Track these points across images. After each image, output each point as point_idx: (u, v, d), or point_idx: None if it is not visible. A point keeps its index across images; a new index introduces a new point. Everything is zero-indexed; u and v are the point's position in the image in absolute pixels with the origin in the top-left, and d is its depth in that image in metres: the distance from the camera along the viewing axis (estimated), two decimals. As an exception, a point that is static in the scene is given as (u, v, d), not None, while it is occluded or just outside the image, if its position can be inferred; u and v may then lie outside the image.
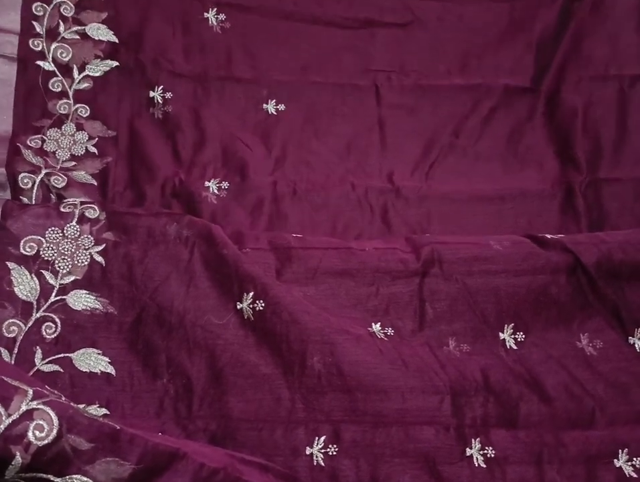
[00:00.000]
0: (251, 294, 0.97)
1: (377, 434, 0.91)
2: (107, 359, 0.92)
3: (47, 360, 0.91)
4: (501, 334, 1.04)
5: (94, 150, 1.13)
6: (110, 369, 0.92)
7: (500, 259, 1.03)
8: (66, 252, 0.96)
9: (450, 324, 1.02)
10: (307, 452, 0.88)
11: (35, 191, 1.06)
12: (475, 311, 1.04)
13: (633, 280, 1.05)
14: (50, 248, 0.96)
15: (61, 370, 0.90)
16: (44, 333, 0.92)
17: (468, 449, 0.92)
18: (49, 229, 0.97)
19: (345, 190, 1.16)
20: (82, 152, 1.12)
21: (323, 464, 0.87)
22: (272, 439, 0.88)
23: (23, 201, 1.05)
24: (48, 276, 0.95)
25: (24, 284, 0.93)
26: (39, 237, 0.96)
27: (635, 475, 0.92)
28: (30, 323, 0.92)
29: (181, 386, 0.92)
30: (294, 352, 0.94)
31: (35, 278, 0.94)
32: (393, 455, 0.90)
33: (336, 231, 1.14)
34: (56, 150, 1.11)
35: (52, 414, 0.70)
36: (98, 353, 0.92)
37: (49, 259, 0.95)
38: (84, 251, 0.97)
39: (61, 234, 0.97)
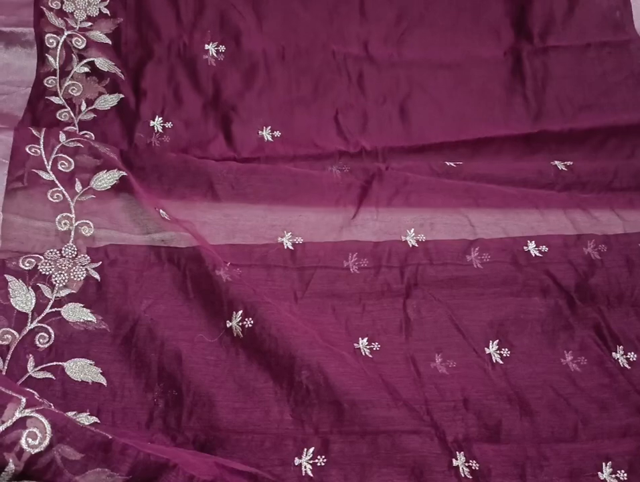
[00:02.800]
0: (240, 312, 1.00)
1: (364, 444, 0.93)
2: (99, 370, 0.94)
3: (39, 368, 0.92)
4: (486, 349, 1.07)
5: (106, 11, 1.25)
6: (102, 380, 0.94)
7: (480, 282, 1.10)
8: (63, 268, 1.00)
9: (435, 340, 1.06)
10: (296, 463, 0.89)
11: (59, 50, 1.19)
12: (459, 328, 1.07)
13: (611, 299, 1.12)
14: (48, 264, 0.99)
15: (53, 378, 0.92)
16: (37, 343, 0.94)
17: (454, 460, 0.94)
18: (49, 250, 1.01)
19: (326, 57, 1.31)
20: (96, 14, 1.24)
21: (311, 474, 0.89)
22: (261, 450, 0.90)
23: (48, 60, 1.19)
24: (44, 288, 0.97)
25: (20, 297, 0.96)
26: (38, 255, 1.00)
27: (617, 483, 0.94)
28: (24, 333, 0.94)
29: (171, 398, 0.94)
30: (283, 367, 0.97)
31: (31, 291, 0.96)
32: (380, 465, 0.91)
33: (317, 93, 1.29)
34: (74, 11, 1.23)
35: (45, 422, 0.71)
36: (91, 363, 0.94)
37: (46, 274, 0.98)
38: (81, 267, 1.01)
39: (59, 254, 1.01)
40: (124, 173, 1.08)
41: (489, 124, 1.31)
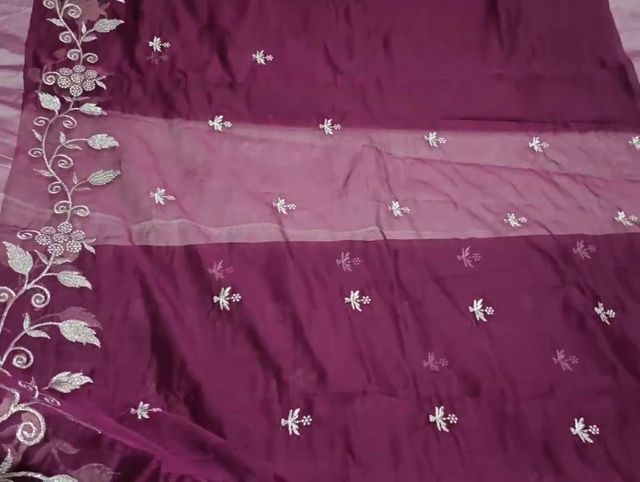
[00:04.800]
0: (228, 288, 1.04)
1: (347, 405, 0.98)
2: (93, 332, 0.98)
3: (35, 326, 0.95)
4: (470, 308, 1.10)
5: None
6: (96, 341, 0.97)
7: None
8: (59, 241, 1.03)
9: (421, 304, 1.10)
10: (282, 424, 0.95)
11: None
12: (444, 290, 1.10)
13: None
14: (44, 237, 1.03)
15: (48, 337, 0.95)
16: (34, 303, 0.97)
17: (431, 416, 0.99)
18: (44, 227, 1.04)
19: None
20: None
21: (298, 433, 0.94)
22: (249, 411, 0.95)
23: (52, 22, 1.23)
24: (41, 256, 1.01)
25: (18, 259, 0.99)
26: (35, 230, 1.03)
27: (591, 441, 0.99)
28: (21, 293, 0.97)
29: (162, 361, 0.98)
30: (270, 337, 1.02)
31: (28, 255, 1.00)
32: (362, 423, 0.96)
33: (307, 24, 1.37)
34: None
35: (39, 416, 0.76)
36: (85, 325, 0.98)
37: (43, 245, 1.02)
38: (76, 241, 1.04)
39: (54, 230, 1.04)
40: (120, 172, 1.13)
41: (465, 58, 1.41)
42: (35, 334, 0.95)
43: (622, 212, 1.28)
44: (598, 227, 1.25)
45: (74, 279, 1.01)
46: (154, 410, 0.92)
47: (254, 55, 1.32)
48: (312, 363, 1.00)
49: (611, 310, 1.13)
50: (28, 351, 0.93)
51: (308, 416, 0.96)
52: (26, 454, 0.74)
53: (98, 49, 1.24)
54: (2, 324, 0.95)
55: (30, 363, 0.92)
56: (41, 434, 0.75)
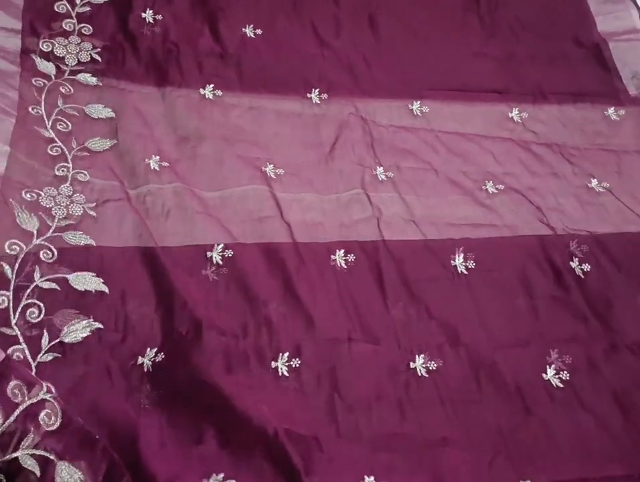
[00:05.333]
0: (221, 246, 1.10)
1: (333, 349, 1.03)
2: (101, 280, 1.02)
3: (45, 278, 0.99)
4: (452, 262, 1.16)
5: None
6: (105, 288, 1.01)
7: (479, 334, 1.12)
8: (62, 203, 1.07)
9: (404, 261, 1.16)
10: (272, 366, 1.00)
11: None
12: (427, 247, 1.17)
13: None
14: (47, 199, 1.06)
15: (58, 288, 0.99)
16: (42, 257, 1.00)
17: (412, 363, 1.04)
18: (46, 187, 1.07)
19: None
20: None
21: (287, 374, 1.00)
22: (240, 354, 0.99)
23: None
24: (46, 218, 1.05)
25: (24, 219, 1.03)
26: (39, 191, 1.07)
27: (562, 386, 1.05)
28: (30, 246, 1.00)
29: (165, 306, 1.02)
30: (261, 288, 1.07)
31: (34, 217, 1.03)
32: (347, 366, 1.02)
33: (296, 3, 1.42)
34: None
35: (58, 408, 0.83)
36: (93, 275, 1.02)
37: (47, 207, 1.06)
38: (78, 205, 1.08)
39: (56, 191, 1.08)
40: (116, 140, 1.17)
41: (448, 38, 1.48)
42: (46, 285, 0.99)
43: (595, 179, 1.35)
44: (573, 194, 1.31)
45: (79, 238, 1.05)
46: (158, 359, 0.97)
47: (244, 29, 1.38)
48: (300, 311, 1.06)
49: (586, 264, 1.20)
50: (40, 304, 0.97)
51: (297, 359, 1.01)
52: (44, 436, 0.81)
53: (92, 20, 1.28)
54: (14, 275, 0.98)
55: (42, 316, 0.96)
56: (58, 424, 0.82)
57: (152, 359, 0.97)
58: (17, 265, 0.98)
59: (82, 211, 1.07)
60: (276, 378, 0.99)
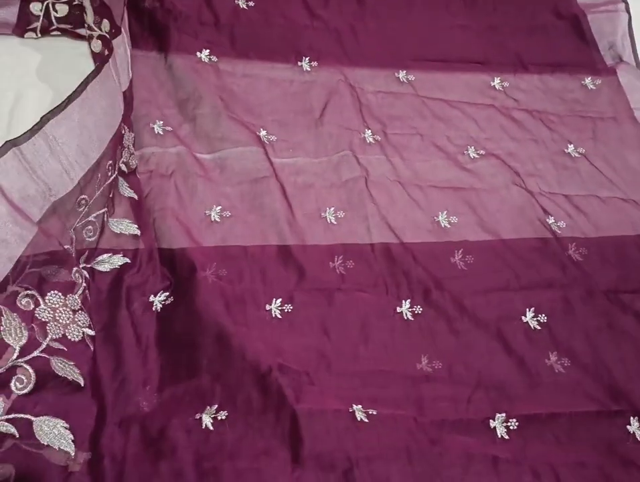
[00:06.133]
0: (219, 207, 1.17)
1: (323, 297, 1.10)
2: (135, 226, 1.08)
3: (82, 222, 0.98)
4: (435, 218, 1.23)
5: None
6: (137, 232, 1.07)
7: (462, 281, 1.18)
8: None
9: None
10: (267, 308, 1.07)
11: None
12: (412, 197, 1.23)
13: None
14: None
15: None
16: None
17: (398, 308, 1.11)
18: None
19: None
20: None
21: (280, 316, 1.06)
22: (236, 298, 1.06)
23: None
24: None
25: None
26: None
27: (539, 328, 1.12)
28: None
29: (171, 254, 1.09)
30: (255, 240, 1.14)
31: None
32: (336, 310, 1.09)
33: None
34: None
35: (31, 371, 0.84)
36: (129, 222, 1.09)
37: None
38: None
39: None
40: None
41: (431, 10, 1.54)
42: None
43: (572, 145, 1.41)
44: (550, 159, 1.38)
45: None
46: (168, 301, 1.04)
47: (236, 1, 1.44)
48: (293, 264, 1.12)
49: (562, 222, 1.27)
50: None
51: (289, 305, 1.07)
52: (15, 402, 0.83)
53: None
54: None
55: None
56: (31, 386, 0.84)
57: (162, 302, 1.04)
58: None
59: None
60: (270, 319, 1.05)
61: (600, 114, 1.47)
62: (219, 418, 0.92)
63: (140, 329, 0.99)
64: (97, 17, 1.21)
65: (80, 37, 1.27)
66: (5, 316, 0.86)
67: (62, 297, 0.92)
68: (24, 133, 0.92)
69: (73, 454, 0.83)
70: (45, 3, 1.27)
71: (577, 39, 1.58)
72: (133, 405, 0.92)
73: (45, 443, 0.82)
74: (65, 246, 0.94)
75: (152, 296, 1.04)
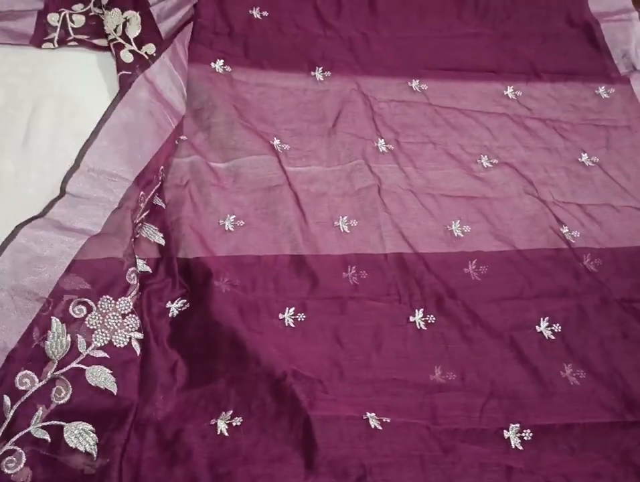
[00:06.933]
0: (233, 216, 1.18)
1: (336, 306, 1.10)
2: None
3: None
4: (448, 227, 1.23)
5: None
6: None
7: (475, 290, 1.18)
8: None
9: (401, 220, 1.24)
10: (280, 317, 1.07)
11: None
12: (425, 207, 1.24)
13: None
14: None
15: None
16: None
17: (411, 317, 1.11)
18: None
19: None
20: None
21: (293, 325, 1.07)
22: (249, 306, 1.06)
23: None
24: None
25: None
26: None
27: (554, 337, 1.12)
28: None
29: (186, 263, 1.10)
30: (268, 250, 1.15)
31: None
32: (350, 321, 1.09)
33: None
34: None
35: (68, 383, 0.89)
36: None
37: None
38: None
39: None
40: None
41: (443, 18, 1.54)
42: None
43: (585, 154, 1.41)
44: (563, 168, 1.37)
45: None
46: (184, 308, 1.05)
47: (250, 11, 1.45)
48: (306, 272, 1.12)
49: (576, 231, 1.27)
50: None
51: (302, 314, 1.08)
52: (53, 411, 0.87)
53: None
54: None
55: None
56: (69, 396, 0.88)
57: (179, 309, 1.05)
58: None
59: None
60: (283, 328, 1.06)
61: (613, 122, 1.47)
62: (234, 424, 0.92)
63: (156, 333, 1.00)
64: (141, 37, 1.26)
65: (97, 47, 1.29)
66: (54, 327, 0.91)
67: (113, 302, 0.96)
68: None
69: (95, 456, 0.85)
70: (62, 14, 1.29)
71: (590, 47, 1.58)
72: (150, 408, 0.93)
73: (73, 446, 0.85)
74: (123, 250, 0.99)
75: (169, 302, 1.05)
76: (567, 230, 1.27)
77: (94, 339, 0.93)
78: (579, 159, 1.40)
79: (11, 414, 0.85)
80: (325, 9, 1.49)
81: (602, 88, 1.51)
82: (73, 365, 0.91)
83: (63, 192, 1.04)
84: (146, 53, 1.25)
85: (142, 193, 1.09)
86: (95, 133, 1.10)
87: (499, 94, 1.47)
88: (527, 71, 1.51)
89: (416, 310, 1.11)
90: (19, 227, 0.97)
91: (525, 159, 1.38)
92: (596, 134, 1.44)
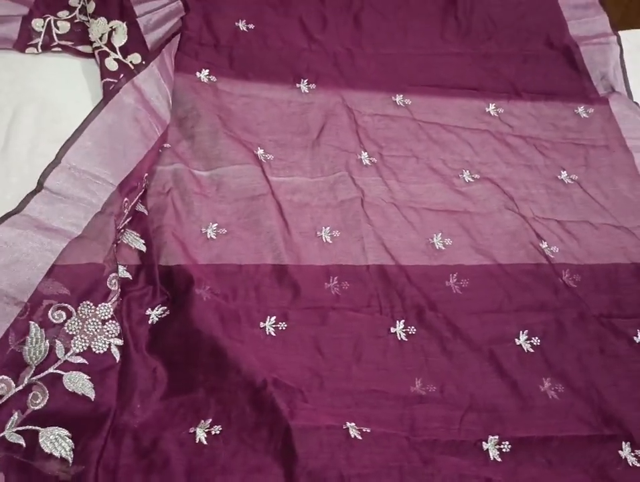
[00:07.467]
0: (215, 225, 1.18)
1: (317, 316, 1.10)
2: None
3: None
4: (429, 239, 1.24)
5: None
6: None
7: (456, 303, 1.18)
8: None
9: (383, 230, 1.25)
10: (261, 326, 1.07)
11: None
12: (406, 219, 1.25)
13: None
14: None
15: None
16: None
17: (392, 328, 1.11)
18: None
19: None
20: None
21: (274, 334, 1.06)
22: (231, 309, 1.06)
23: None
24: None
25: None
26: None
27: (532, 351, 1.12)
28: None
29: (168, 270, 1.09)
30: (249, 258, 1.14)
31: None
32: (331, 331, 1.09)
33: (283, 2, 1.51)
34: None
35: (45, 388, 0.88)
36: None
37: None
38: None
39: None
40: None
41: (426, 37, 1.57)
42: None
43: (565, 171, 1.43)
44: (543, 185, 1.39)
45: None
46: (164, 315, 1.04)
47: (236, 23, 1.46)
48: (288, 282, 1.12)
49: (555, 247, 1.28)
50: None
51: (283, 323, 1.07)
52: (29, 416, 0.86)
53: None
54: None
55: None
56: (45, 401, 0.87)
57: (159, 316, 1.04)
58: None
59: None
60: (264, 337, 1.05)
61: (592, 141, 1.49)
62: (212, 432, 0.91)
63: (136, 340, 0.98)
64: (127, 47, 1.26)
65: (81, 53, 1.29)
66: (32, 332, 0.90)
67: (93, 307, 0.95)
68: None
69: (71, 462, 0.84)
70: (47, 20, 1.29)
71: (569, 68, 1.61)
72: (127, 415, 0.91)
73: (49, 451, 0.83)
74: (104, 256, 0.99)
75: (149, 309, 1.04)
76: (546, 245, 1.28)
77: (72, 345, 0.92)
78: (558, 177, 1.42)
79: None
80: (310, 23, 1.51)
81: (582, 107, 1.54)
82: (51, 370, 0.89)
83: (40, 186, 1.02)
84: (131, 62, 1.25)
85: (126, 199, 1.08)
86: (79, 131, 1.09)
87: (480, 110, 1.49)
88: (508, 90, 1.54)
89: (397, 321, 1.12)
90: (-4, 223, 0.95)
91: (506, 175, 1.39)
92: (575, 153, 1.47)
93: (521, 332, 1.14)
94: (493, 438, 1.00)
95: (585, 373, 1.11)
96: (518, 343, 1.13)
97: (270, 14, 1.50)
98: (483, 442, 1.00)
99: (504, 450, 0.99)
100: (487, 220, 1.31)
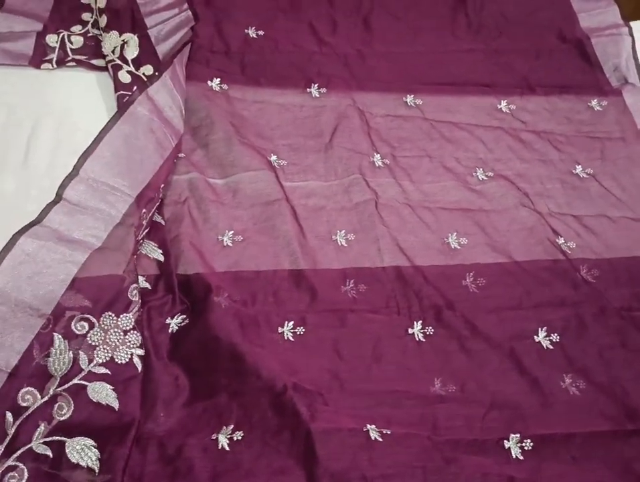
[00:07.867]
0: (231, 232, 1.19)
1: (335, 319, 1.10)
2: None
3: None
4: (445, 239, 1.24)
5: None
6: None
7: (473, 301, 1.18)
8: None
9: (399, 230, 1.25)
10: (279, 331, 1.07)
11: None
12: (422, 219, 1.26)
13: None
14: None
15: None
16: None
17: (410, 329, 1.12)
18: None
19: None
20: None
21: (292, 339, 1.07)
22: (250, 314, 1.07)
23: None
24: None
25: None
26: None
27: (552, 347, 1.12)
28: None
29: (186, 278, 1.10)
30: (268, 264, 1.16)
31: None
32: (350, 334, 1.09)
33: (293, 6, 1.54)
34: None
35: (70, 399, 0.90)
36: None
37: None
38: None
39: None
40: None
41: (437, 35, 1.57)
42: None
43: (580, 165, 1.42)
44: (559, 179, 1.39)
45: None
46: (184, 323, 1.06)
47: (246, 30, 1.48)
48: (305, 286, 1.13)
49: (572, 242, 1.28)
50: None
51: (301, 327, 1.08)
52: (55, 427, 0.87)
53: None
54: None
55: None
56: (70, 412, 0.89)
57: (179, 324, 1.05)
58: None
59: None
60: (282, 341, 1.06)
61: (607, 134, 1.48)
62: (234, 438, 0.92)
63: (156, 348, 1.00)
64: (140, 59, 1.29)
65: (95, 67, 1.31)
66: (56, 343, 0.92)
67: (115, 318, 0.97)
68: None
69: (97, 472, 0.85)
70: (61, 35, 1.31)
71: (582, 61, 1.60)
72: (152, 423, 0.93)
73: (75, 461, 0.85)
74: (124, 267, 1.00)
75: (169, 318, 1.05)
76: (563, 241, 1.27)
77: (95, 356, 0.94)
78: (573, 171, 1.41)
79: (13, 430, 0.86)
80: (320, 27, 1.52)
81: (595, 100, 1.53)
82: (75, 381, 0.91)
83: (59, 197, 1.04)
84: (143, 74, 1.27)
85: (144, 210, 1.10)
86: (96, 142, 1.10)
87: (493, 107, 1.48)
88: (521, 85, 1.53)
89: (415, 322, 1.12)
90: (18, 235, 0.97)
91: (521, 171, 1.39)
92: (590, 146, 1.46)
93: (539, 328, 1.14)
94: (515, 436, 1.00)
95: (607, 368, 1.10)
96: (537, 340, 1.12)
97: (280, 19, 1.51)
98: (505, 441, 0.99)
99: (526, 448, 0.99)
100: (503, 217, 1.31)
